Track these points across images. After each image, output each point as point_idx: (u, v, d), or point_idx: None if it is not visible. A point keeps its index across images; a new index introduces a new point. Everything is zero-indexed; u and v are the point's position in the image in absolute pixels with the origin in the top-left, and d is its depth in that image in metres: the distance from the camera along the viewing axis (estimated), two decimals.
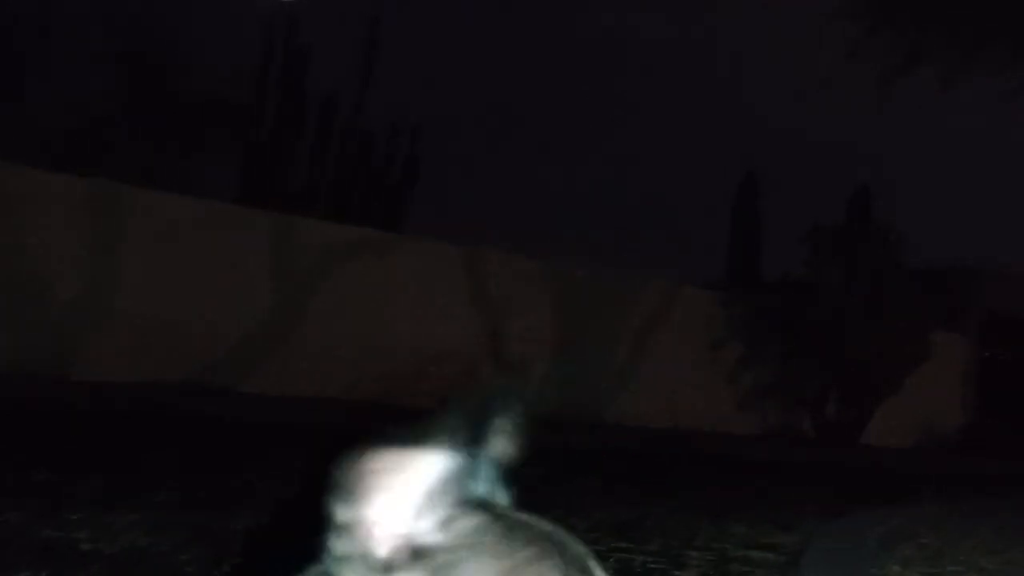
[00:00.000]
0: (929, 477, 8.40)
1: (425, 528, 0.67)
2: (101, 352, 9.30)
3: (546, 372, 12.33)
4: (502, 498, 0.75)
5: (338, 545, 0.67)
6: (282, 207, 11.48)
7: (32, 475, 3.41)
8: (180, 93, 14.17)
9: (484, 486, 0.73)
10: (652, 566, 2.88)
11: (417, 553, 0.66)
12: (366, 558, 0.66)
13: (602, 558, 0.63)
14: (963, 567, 2.94)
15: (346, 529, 0.67)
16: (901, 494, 5.73)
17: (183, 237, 10.07)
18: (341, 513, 0.67)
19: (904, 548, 3.16)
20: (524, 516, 0.71)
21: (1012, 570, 2.98)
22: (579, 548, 0.70)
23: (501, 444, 0.73)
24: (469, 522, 0.68)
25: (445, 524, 0.67)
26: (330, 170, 13.42)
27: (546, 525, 0.70)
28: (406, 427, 0.70)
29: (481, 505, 0.70)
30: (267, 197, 12.04)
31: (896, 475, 8.35)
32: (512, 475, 0.75)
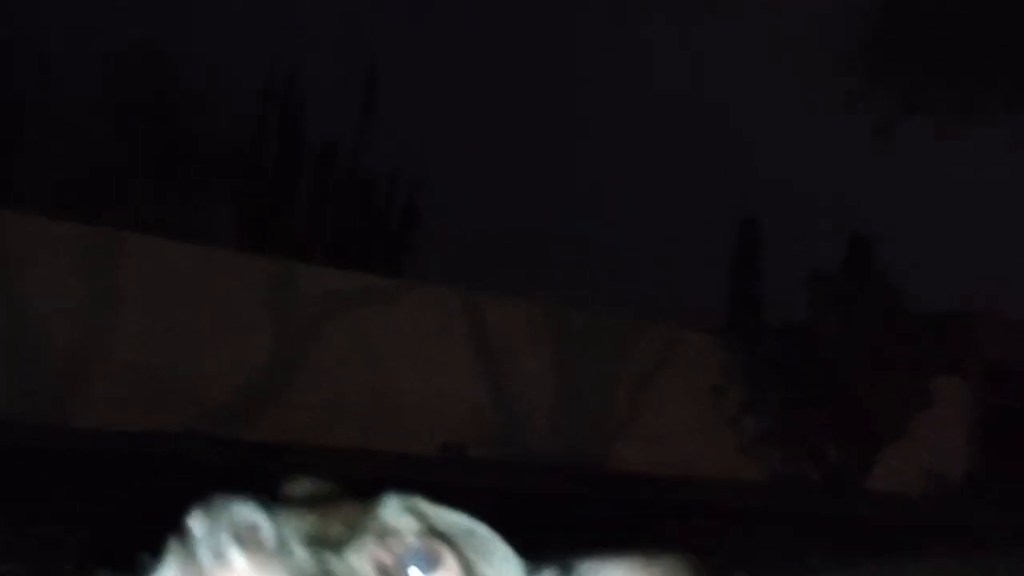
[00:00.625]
0: (932, 528, 8.33)
1: None
2: (99, 400, 9.27)
3: (548, 419, 12.29)
4: None
5: None
6: (282, 254, 11.53)
7: (31, 527, 3.37)
8: (180, 140, 14.29)
9: None
10: None
11: None
12: None
13: None
14: None
15: None
16: (905, 546, 5.68)
17: (181, 284, 10.08)
18: None
19: None
20: None
21: None
22: None
23: None
24: None
25: None
26: (329, 217, 13.48)
27: None
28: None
29: None
30: (266, 244, 12.08)
31: (900, 525, 8.28)
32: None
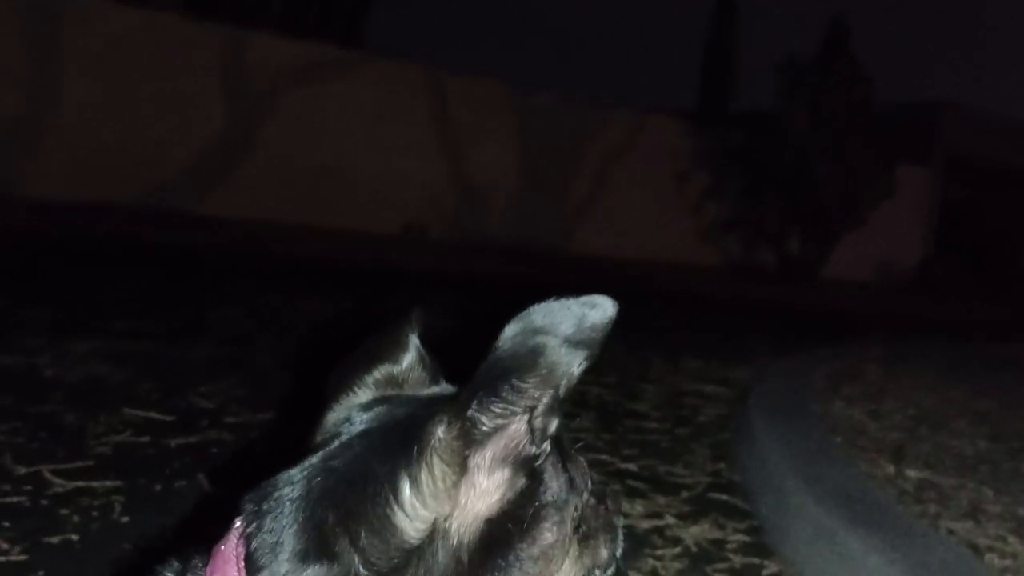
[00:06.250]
0: (882, 316, 8.64)
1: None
2: (43, 171, 9.04)
3: (509, 202, 12.30)
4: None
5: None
6: (232, 21, 10.93)
7: None
8: None
9: None
10: (607, 398, 2.96)
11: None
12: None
13: None
14: (903, 404, 3.04)
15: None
16: (853, 333, 5.89)
17: (127, 51, 9.61)
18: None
19: (849, 386, 3.27)
20: None
21: (949, 408, 3.10)
22: None
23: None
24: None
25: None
26: None
27: None
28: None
29: None
30: (216, 10, 11.44)
31: (850, 313, 8.57)
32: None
